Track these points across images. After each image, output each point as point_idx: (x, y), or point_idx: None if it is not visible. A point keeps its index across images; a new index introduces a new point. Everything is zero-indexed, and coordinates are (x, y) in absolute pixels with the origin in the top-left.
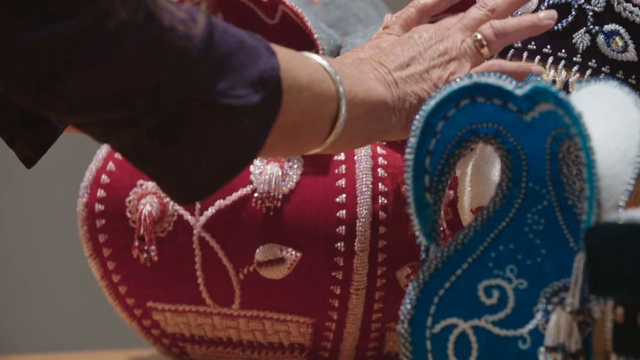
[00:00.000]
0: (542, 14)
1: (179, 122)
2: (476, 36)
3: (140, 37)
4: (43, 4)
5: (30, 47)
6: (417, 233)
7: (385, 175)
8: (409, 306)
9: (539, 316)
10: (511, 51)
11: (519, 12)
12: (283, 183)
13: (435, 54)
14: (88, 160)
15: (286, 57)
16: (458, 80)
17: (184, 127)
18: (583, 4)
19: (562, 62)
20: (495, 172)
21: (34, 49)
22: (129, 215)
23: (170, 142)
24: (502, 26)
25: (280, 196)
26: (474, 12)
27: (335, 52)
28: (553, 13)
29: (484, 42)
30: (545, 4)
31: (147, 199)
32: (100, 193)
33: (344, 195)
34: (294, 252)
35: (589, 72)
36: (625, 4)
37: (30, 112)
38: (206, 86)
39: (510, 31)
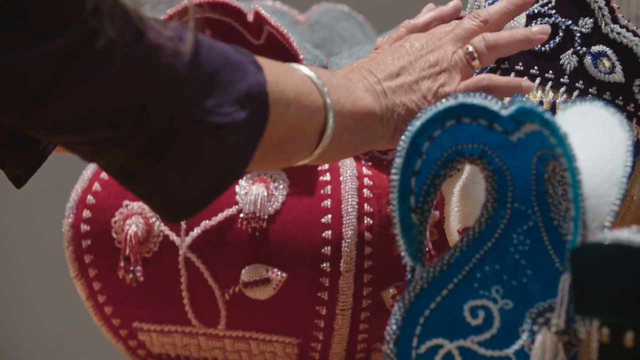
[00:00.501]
0: (535, 28)
1: (166, 139)
2: (467, 48)
3: (128, 55)
4: (30, 23)
5: (17, 66)
6: (402, 253)
7: (371, 195)
8: (394, 326)
9: (524, 336)
10: (498, 72)
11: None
12: (269, 203)
13: (425, 65)
14: (74, 181)
15: (273, 71)
16: (444, 100)
17: (171, 145)
18: (570, 25)
19: (550, 83)
20: (481, 192)
21: (21, 68)
22: (114, 235)
23: (158, 160)
24: (494, 39)
25: (265, 217)
26: (466, 23)
27: None
28: (546, 28)
29: (475, 55)
30: (533, 24)
31: (133, 219)
32: (86, 213)
33: (329, 216)
34: (279, 273)
35: (576, 93)
36: (612, 25)
37: (19, 132)
38: (193, 104)
39: (503, 44)
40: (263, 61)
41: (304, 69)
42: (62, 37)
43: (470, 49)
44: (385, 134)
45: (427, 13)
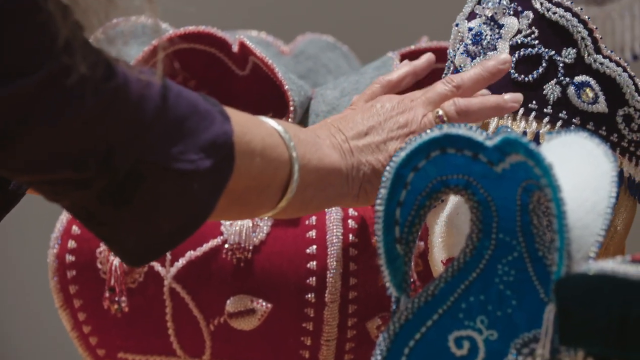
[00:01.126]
0: (507, 96)
1: (130, 184)
2: (438, 112)
3: (98, 93)
4: (1, 62)
5: None
6: (387, 284)
7: (356, 226)
8: (379, 357)
9: None
10: None
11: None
12: (253, 234)
13: (394, 126)
14: (58, 211)
15: (241, 122)
16: (428, 131)
17: (134, 190)
18: (554, 55)
19: (533, 113)
20: (465, 223)
21: None
22: (99, 266)
23: (120, 204)
24: (465, 105)
25: (250, 247)
26: (439, 87)
27: (305, 103)
28: (519, 97)
29: (445, 119)
30: (517, 55)
31: None
32: (71, 244)
33: (314, 247)
34: (264, 303)
35: (559, 123)
36: (595, 55)
37: None
38: (159, 149)
39: (473, 110)
40: (231, 111)
41: (271, 122)
42: (36, 75)
43: (440, 112)
44: (350, 192)
45: (402, 68)
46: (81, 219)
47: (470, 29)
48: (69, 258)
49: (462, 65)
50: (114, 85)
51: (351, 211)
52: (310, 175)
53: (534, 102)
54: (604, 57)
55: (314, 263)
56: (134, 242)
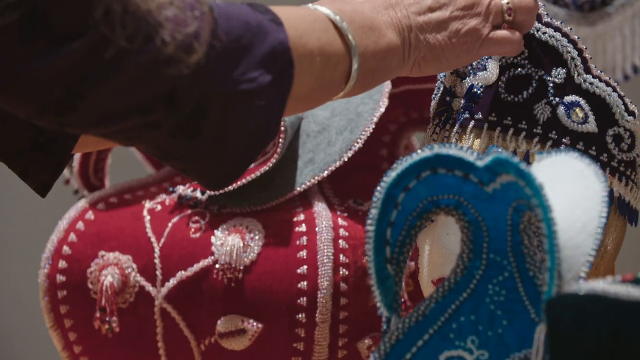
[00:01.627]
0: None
1: (198, 116)
2: (508, 2)
3: (138, 59)
4: (50, 29)
5: (45, 71)
6: (378, 304)
7: (347, 246)
8: None
9: None
10: (472, 122)
11: (480, 84)
12: (244, 254)
13: (460, 4)
14: (49, 232)
15: (294, 24)
16: (419, 151)
17: (202, 121)
18: (543, 75)
19: (523, 133)
20: (456, 243)
21: (48, 73)
22: (90, 286)
23: (192, 136)
24: (530, 5)
25: (241, 267)
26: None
27: (296, 123)
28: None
29: (512, 11)
30: (506, 75)
31: (109, 270)
32: (62, 264)
33: (305, 267)
34: (255, 323)
35: (549, 143)
36: (585, 75)
37: (40, 135)
38: (219, 79)
39: (531, 16)
40: (283, 14)
41: (325, 10)
42: (80, 41)
43: (510, 4)
44: (405, 68)
45: None
46: (158, 157)
47: None
48: (60, 278)
49: (452, 85)
50: (160, 38)
51: (342, 231)
52: (368, 61)
53: (523, 122)
54: (594, 77)
55: (305, 283)
56: (212, 168)
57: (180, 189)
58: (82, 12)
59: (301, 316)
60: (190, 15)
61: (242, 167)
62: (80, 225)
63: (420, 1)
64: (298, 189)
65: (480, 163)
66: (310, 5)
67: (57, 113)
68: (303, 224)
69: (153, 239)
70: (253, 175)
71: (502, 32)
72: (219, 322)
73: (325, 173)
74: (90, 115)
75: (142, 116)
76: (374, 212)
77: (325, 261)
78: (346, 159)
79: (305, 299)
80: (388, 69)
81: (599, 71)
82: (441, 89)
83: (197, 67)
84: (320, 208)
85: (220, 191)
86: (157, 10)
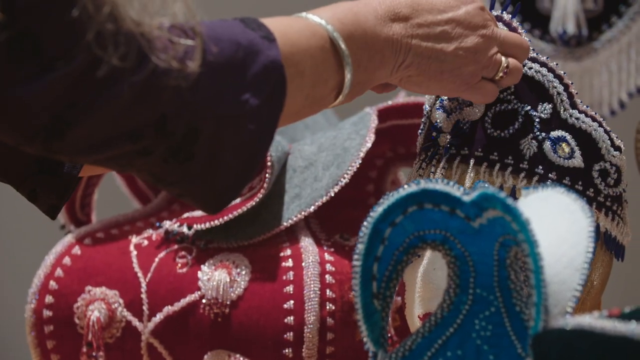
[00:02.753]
0: None
1: (189, 141)
2: (508, 63)
3: (134, 79)
4: (39, 52)
5: (33, 97)
6: (365, 339)
7: (333, 281)
8: None
9: None
10: (458, 158)
11: (466, 119)
12: (231, 289)
13: (466, 46)
14: (36, 267)
15: (288, 41)
16: (406, 186)
17: (194, 145)
18: (530, 110)
19: (510, 168)
20: (442, 278)
21: (36, 99)
22: (77, 321)
23: (184, 161)
24: (521, 72)
25: (228, 302)
26: (519, 40)
27: (283, 159)
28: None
29: (506, 73)
30: (493, 110)
31: (96, 305)
32: (49, 299)
33: (291, 302)
34: (242, 359)
35: (536, 178)
36: (571, 110)
37: (46, 158)
38: (209, 103)
39: (517, 80)
40: (278, 28)
41: (324, 22)
42: (70, 65)
43: (509, 66)
44: (389, 79)
45: None
46: (151, 182)
47: None
48: (47, 313)
49: (438, 121)
50: (149, 70)
51: (328, 266)
52: (360, 75)
53: (510, 157)
54: (580, 112)
55: (292, 318)
56: (207, 191)
57: (167, 224)
58: (74, 34)
59: (288, 351)
60: (181, 38)
61: (236, 189)
62: (67, 260)
63: (430, 25)
64: (285, 224)
65: (466, 198)
66: (312, 13)
67: (45, 140)
68: (290, 259)
69: (140, 274)
70: (240, 210)
71: (489, 85)
72: (205, 357)
73: (312, 208)
74: (78, 142)
75: (132, 143)
76: (360, 247)
77: (311, 296)
78: (333, 194)
79: (291, 334)
80: (375, 80)
81: (585, 106)
82: (427, 124)
83: (188, 90)
84: (306, 243)
85: (207, 226)
86: (149, 32)
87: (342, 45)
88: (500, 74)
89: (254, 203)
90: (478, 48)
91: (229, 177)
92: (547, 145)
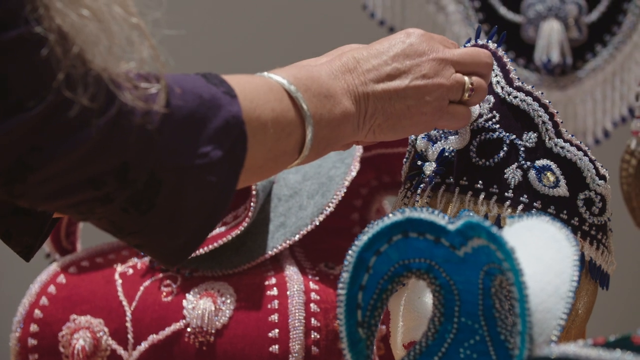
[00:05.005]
0: None
1: (150, 191)
2: (472, 82)
3: (102, 120)
4: (6, 95)
5: None
6: None
7: (318, 310)
8: None
9: None
10: (443, 186)
11: (451, 148)
12: (216, 318)
13: (420, 73)
14: (21, 295)
15: (249, 96)
16: (390, 215)
17: (155, 195)
18: (515, 139)
19: (494, 197)
20: (427, 306)
21: (0, 140)
22: (62, 349)
23: (145, 211)
24: (486, 88)
25: (213, 331)
26: (483, 57)
27: (268, 187)
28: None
29: (472, 93)
30: (478, 139)
31: (80, 333)
32: (33, 328)
33: (276, 330)
34: None
35: (520, 207)
36: (556, 139)
37: None
38: (171, 153)
39: (484, 97)
40: (237, 84)
41: (280, 79)
42: (37, 107)
43: (472, 85)
44: (359, 134)
45: None
46: (111, 232)
47: None
48: (31, 342)
49: (423, 149)
50: (116, 112)
51: (313, 295)
52: (323, 129)
53: (495, 186)
54: (565, 141)
55: (277, 347)
56: (167, 243)
57: None
58: (43, 76)
59: None
60: (145, 88)
61: (196, 241)
62: (51, 288)
63: (379, 67)
64: (270, 252)
65: (451, 227)
66: (265, 72)
67: (6, 183)
68: (274, 288)
69: (125, 303)
70: (225, 239)
71: (461, 108)
72: None
73: (297, 237)
74: (40, 187)
75: (94, 190)
76: (345, 275)
77: (296, 325)
78: (318, 223)
79: None
80: (342, 137)
81: (570, 135)
82: (412, 152)
83: (151, 139)
84: (291, 272)
85: (192, 255)
86: (115, 77)
87: (301, 100)
88: (467, 94)
89: (238, 232)
90: (433, 72)
91: (189, 229)
92: (532, 174)
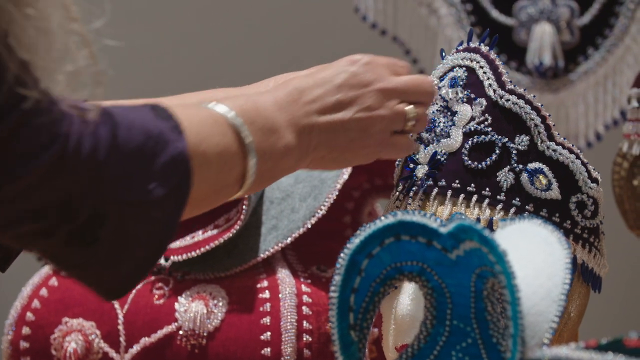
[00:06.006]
0: None
1: (94, 225)
2: (414, 113)
3: (46, 155)
4: None
5: None
6: None
7: (310, 313)
8: None
9: None
10: (435, 189)
11: (443, 151)
12: (208, 321)
13: (365, 104)
14: (12, 298)
15: (195, 130)
16: (383, 218)
17: (98, 230)
18: (507, 142)
19: (487, 200)
20: (419, 309)
21: None
22: (54, 352)
23: (87, 246)
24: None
25: (205, 334)
26: (427, 86)
27: (260, 191)
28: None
29: (415, 122)
30: (470, 142)
31: (72, 336)
32: (25, 330)
33: (268, 333)
34: None
35: (513, 210)
36: (548, 142)
37: None
38: (115, 188)
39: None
40: (184, 118)
41: (225, 110)
42: None
43: (415, 114)
44: (301, 166)
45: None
46: (53, 265)
47: None
48: (23, 345)
49: (415, 152)
50: (61, 145)
51: (305, 297)
52: (265, 163)
53: (487, 189)
54: (557, 144)
55: (269, 350)
56: (108, 277)
57: None
58: None
59: None
60: (92, 123)
61: (139, 275)
62: (43, 291)
63: (323, 97)
64: (262, 255)
65: (443, 230)
66: (214, 102)
67: None
68: (266, 291)
69: (117, 305)
70: (217, 242)
71: (403, 139)
72: None
73: (289, 240)
74: None
75: (35, 223)
76: (337, 278)
77: (288, 327)
78: (310, 226)
79: None
80: (284, 170)
81: (562, 138)
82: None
83: (96, 174)
84: (283, 274)
85: (184, 258)
86: (61, 115)
87: (246, 134)
88: (410, 124)
89: (231, 234)
90: (377, 104)
91: (132, 262)
92: (525, 177)
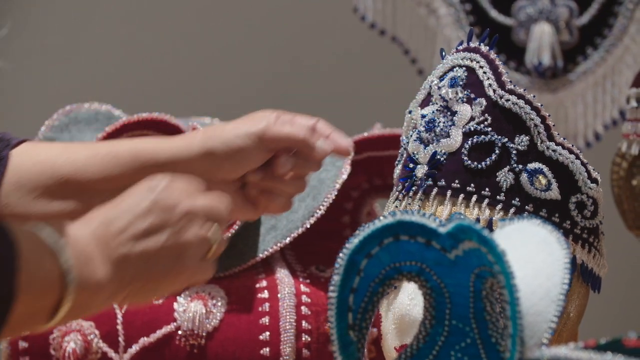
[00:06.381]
0: None
1: None
2: (217, 237)
3: None
4: None
5: None
6: None
7: (309, 313)
8: None
9: None
10: (435, 189)
11: (443, 151)
12: (207, 320)
13: (174, 228)
14: None
15: (24, 255)
16: (382, 218)
17: None
18: (507, 142)
19: (486, 200)
20: (418, 310)
21: None
22: (53, 352)
23: None
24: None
25: (204, 334)
26: (222, 209)
27: None
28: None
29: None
30: (470, 142)
31: (71, 336)
32: None
33: (267, 333)
34: None
35: (512, 210)
36: (548, 142)
37: None
38: None
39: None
40: (21, 256)
41: (50, 239)
42: None
43: (217, 240)
44: (113, 302)
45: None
46: None
47: (423, 116)
48: (22, 345)
49: (415, 152)
50: None
51: (304, 298)
52: (79, 296)
53: (487, 189)
54: (557, 144)
55: (267, 350)
56: None
57: None
58: None
59: None
60: None
61: None
62: None
63: (132, 225)
64: (260, 255)
65: (442, 230)
66: (38, 228)
67: None
68: (265, 291)
69: (116, 305)
70: None
71: (208, 263)
72: None
73: (288, 240)
74: None
75: None
76: (336, 278)
77: (287, 327)
78: (309, 226)
79: None
80: (94, 306)
81: (562, 138)
82: (404, 155)
83: None
84: (282, 274)
85: None
86: None
87: (64, 260)
88: (213, 250)
89: (229, 234)
90: (185, 228)
91: None
92: (524, 177)
